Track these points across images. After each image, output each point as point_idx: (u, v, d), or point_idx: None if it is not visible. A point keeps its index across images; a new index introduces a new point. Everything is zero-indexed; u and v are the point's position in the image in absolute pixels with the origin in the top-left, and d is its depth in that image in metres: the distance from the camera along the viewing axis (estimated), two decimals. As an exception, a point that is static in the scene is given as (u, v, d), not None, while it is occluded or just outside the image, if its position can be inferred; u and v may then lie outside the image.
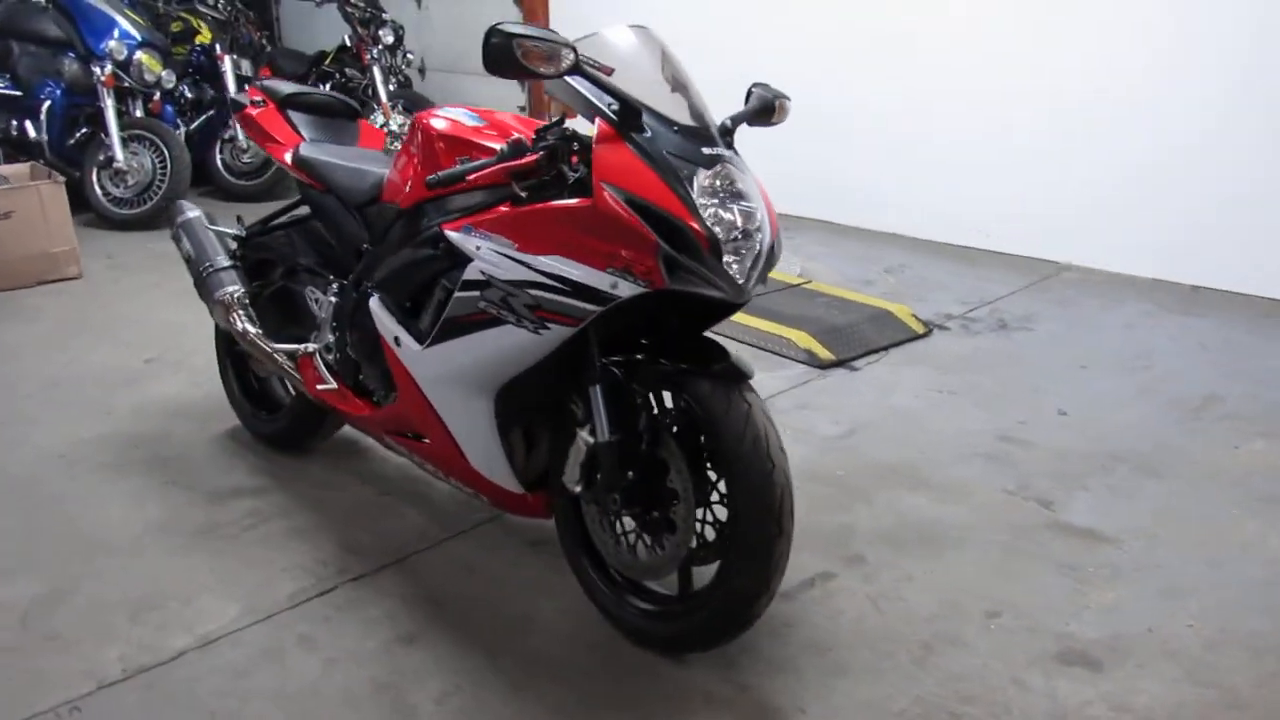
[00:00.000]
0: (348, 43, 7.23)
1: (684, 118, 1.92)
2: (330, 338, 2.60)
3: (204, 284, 2.76)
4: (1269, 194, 4.30)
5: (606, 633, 2.17)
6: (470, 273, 2.01)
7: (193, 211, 2.91)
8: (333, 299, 2.60)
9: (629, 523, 2.08)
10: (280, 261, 2.82)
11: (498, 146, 2.13)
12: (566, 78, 1.87)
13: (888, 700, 1.97)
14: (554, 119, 2.03)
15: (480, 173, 1.96)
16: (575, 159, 1.92)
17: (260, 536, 2.58)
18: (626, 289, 1.83)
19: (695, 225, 1.81)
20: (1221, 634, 2.17)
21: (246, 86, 3.01)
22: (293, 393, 2.99)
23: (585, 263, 1.85)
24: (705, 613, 1.97)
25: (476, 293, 2.01)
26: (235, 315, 2.73)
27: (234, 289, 2.73)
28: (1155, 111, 4.50)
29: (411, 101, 7.13)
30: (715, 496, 2.03)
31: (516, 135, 2.01)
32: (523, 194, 1.98)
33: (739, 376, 1.92)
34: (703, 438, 1.97)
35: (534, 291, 1.91)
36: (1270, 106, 4.23)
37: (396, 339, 2.23)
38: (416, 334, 2.20)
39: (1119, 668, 2.06)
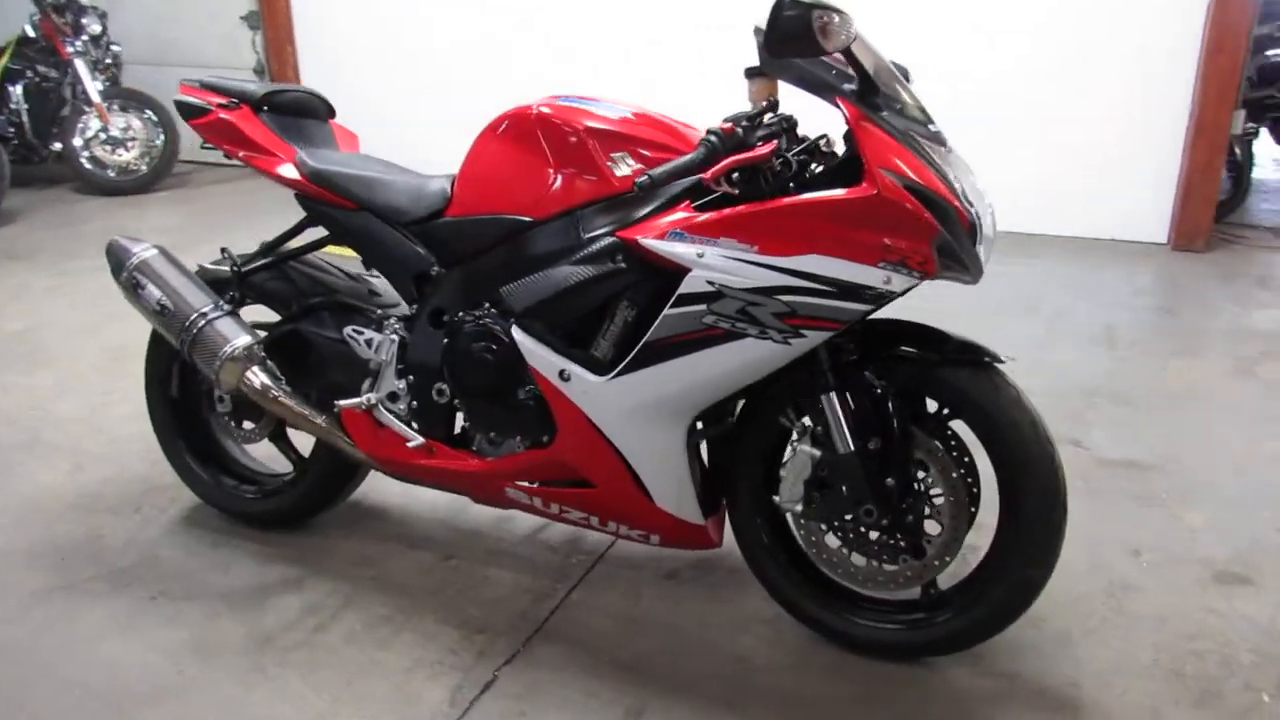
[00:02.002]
0: (30, 33, 6.04)
1: (897, 95, 1.80)
2: (397, 384, 2.15)
3: (199, 340, 2.16)
4: (1068, 149, 4.90)
5: (832, 653, 2.02)
6: (691, 285, 1.76)
7: (147, 249, 2.26)
8: (394, 337, 2.16)
9: (861, 534, 1.94)
10: (290, 299, 2.29)
11: (655, 138, 1.89)
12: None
13: (1131, 657, 2.01)
14: (763, 105, 1.81)
15: (712, 169, 1.71)
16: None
17: (343, 637, 2.10)
18: (900, 283, 1.70)
19: (960, 207, 1.71)
20: (1308, 531, 2.45)
21: (182, 84, 2.36)
22: (293, 459, 2.46)
23: (853, 259, 1.69)
24: (979, 609, 1.88)
25: (701, 306, 1.76)
26: (254, 372, 2.18)
27: (245, 340, 2.17)
28: (968, 79, 4.94)
29: (132, 100, 6.12)
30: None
31: (719, 126, 1.77)
32: (734, 190, 1.76)
33: (994, 360, 1.84)
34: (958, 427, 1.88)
35: (786, 297, 1.71)
36: (1062, 71, 4.80)
37: (562, 373, 1.90)
38: (591, 365, 1.89)
39: (1267, 579, 2.26)
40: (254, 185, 6.64)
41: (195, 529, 2.52)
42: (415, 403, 2.14)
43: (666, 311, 1.79)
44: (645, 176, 1.71)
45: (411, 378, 2.13)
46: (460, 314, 2.05)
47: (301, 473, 2.42)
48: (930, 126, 1.80)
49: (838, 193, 1.70)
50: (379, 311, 2.22)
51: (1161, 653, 2.02)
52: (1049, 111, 4.87)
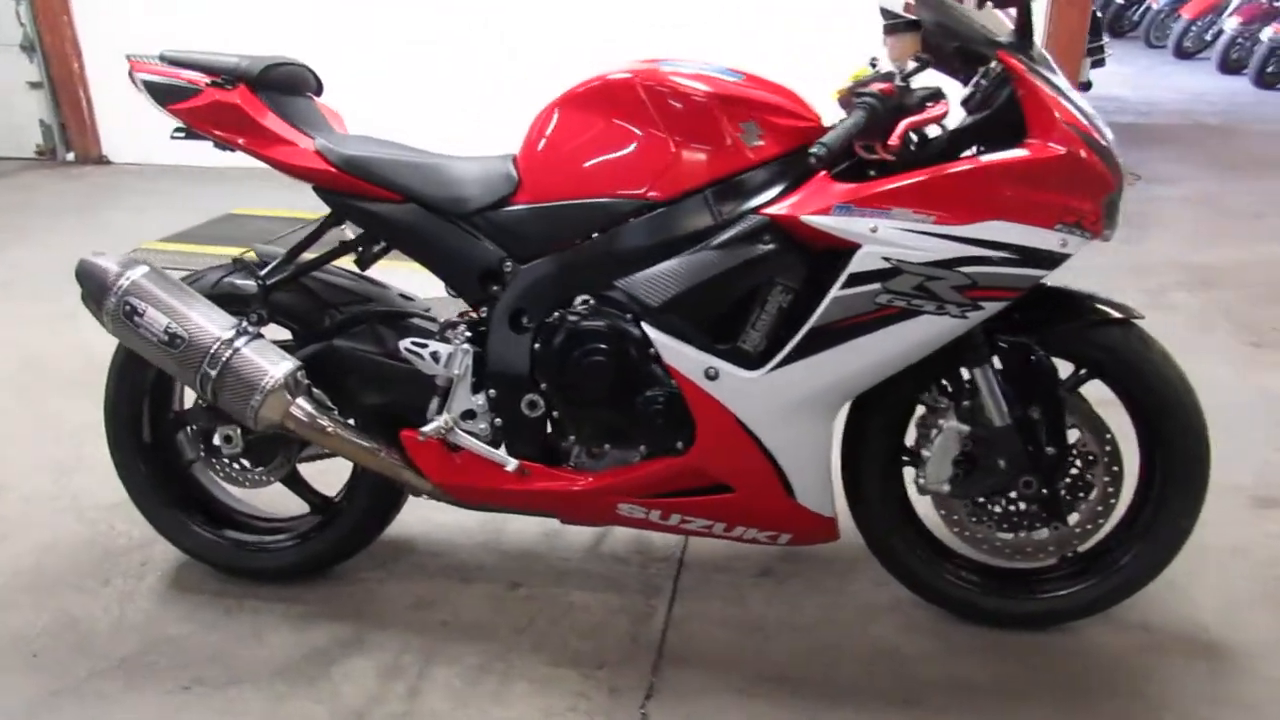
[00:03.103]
0: None
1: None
2: (474, 401, 1.87)
3: (229, 373, 1.77)
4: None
5: (969, 632, 1.96)
6: (864, 262, 1.61)
7: (135, 265, 1.82)
8: (466, 348, 1.86)
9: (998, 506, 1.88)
10: (315, 313, 1.93)
11: (778, 102, 1.73)
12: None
13: (1233, 591, 2.08)
14: (914, 64, 1.67)
15: (895, 134, 1.56)
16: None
17: (446, 698, 1.82)
18: (1074, 245, 1.64)
19: (1118, 163, 1.67)
20: (1299, 447, 2.65)
21: (130, 59, 1.90)
22: (313, 499, 2.11)
23: (1033, 223, 1.61)
24: (1133, 565, 1.88)
25: (875, 285, 1.62)
26: (300, 404, 1.82)
27: (287, 366, 1.80)
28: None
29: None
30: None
31: (875, 87, 1.62)
32: (890, 158, 1.64)
33: (1132, 316, 1.82)
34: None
35: (967, 269, 1.61)
36: None
37: (709, 371, 1.70)
38: (740, 359, 1.70)
39: (1295, 498, 2.42)
40: (31, 181, 5.76)
41: (192, 594, 2.11)
42: (499, 420, 1.87)
43: (836, 293, 1.63)
44: (821, 147, 1.54)
45: (493, 392, 1.86)
46: (556, 314, 1.80)
47: (333, 511, 2.07)
48: (1060, 76, 1.74)
49: (1021, 153, 1.60)
50: (440, 319, 1.91)
51: (1255, 583, 2.11)
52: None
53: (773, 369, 1.69)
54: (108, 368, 2.06)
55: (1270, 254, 4.26)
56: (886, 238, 1.60)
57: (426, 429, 1.83)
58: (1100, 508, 1.85)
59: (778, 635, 1.97)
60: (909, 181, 1.60)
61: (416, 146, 1.95)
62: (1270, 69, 7.95)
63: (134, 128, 5.73)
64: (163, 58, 1.91)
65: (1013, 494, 1.84)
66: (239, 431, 1.96)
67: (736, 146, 1.69)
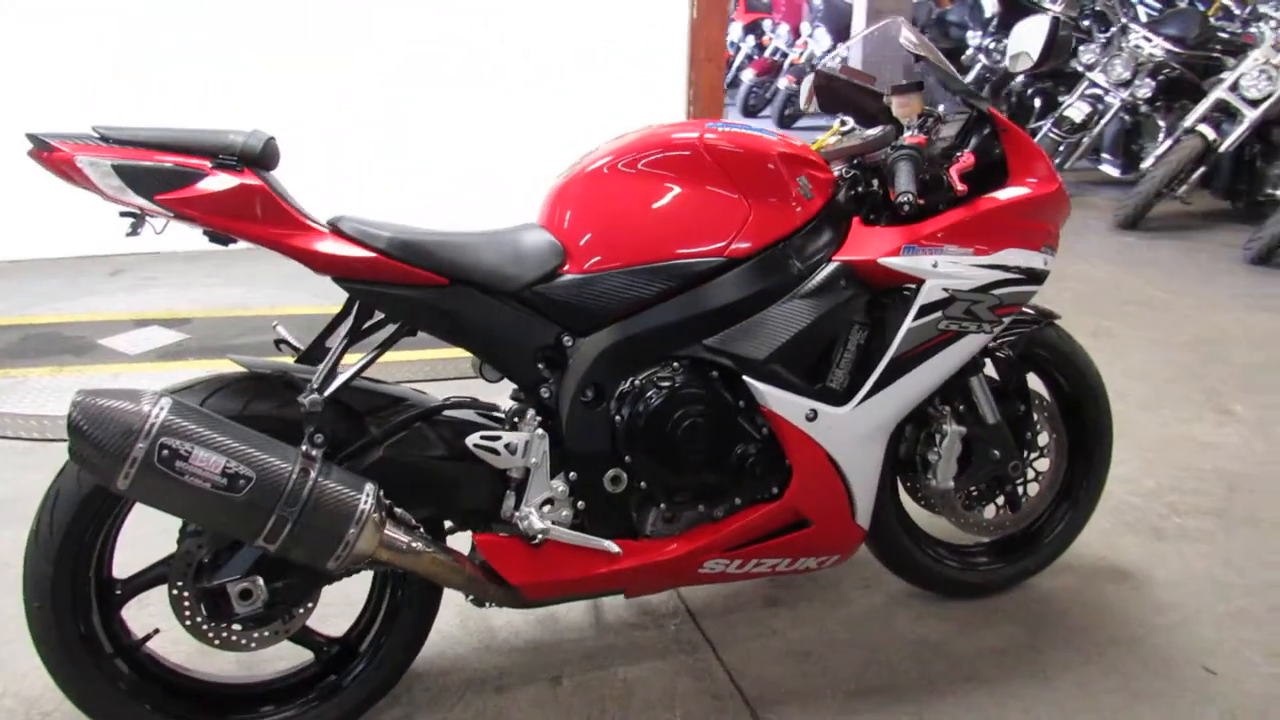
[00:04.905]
0: None
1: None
2: (554, 487, 1.73)
3: (315, 510, 1.44)
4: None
5: (964, 607, 2.23)
6: (929, 294, 1.83)
7: (157, 400, 1.40)
8: (541, 433, 1.72)
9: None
10: (361, 424, 1.64)
11: (808, 156, 1.89)
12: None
13: (1102, 524, 2.56)
14: (928, 118, 1.89)
15: (957, 182, 1.78)
16: None
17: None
18: (1049, 262, 1.99)
19: None
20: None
21: (47, 142, 1.38)
22: (326, 644, 1.80)
23: (1031, 247, 1.94)
24: (1074, 521, 2.27)
25: (938, 314, 1.84)
26: (389, 528, 1.54)
27: (369, 488, 1.51)
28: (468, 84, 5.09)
29: None
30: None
31: (908, 139, 1.83)
32: (922, 201, 1.86)
33: (1054, 318, 2.20)
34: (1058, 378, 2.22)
35: (998, 291, 1.89)
36: (564, 83, 5.16)
37: (810, 414, 1.78)
38: (831, 398, 1.81)
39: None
40: None
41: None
42: (581, 502, 1.76)
43: (910, 325, 1.81)
44: (908, 194, 1.71)
45: (574, 474, 1.74)
46: (636, 381, 1.74)
47: (367, 652, 1.78)
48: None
49: (1024, 191, 1.91)
50: (505, 409, 1.74)
51: (1110, 517, 2.60)
52: (552, 123, 5.18)
53: (860, 402, 1.81)
54: (25, 546, 1.57)
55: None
56: (944, 271, 1.81)
57: (535, 524, 1.67)
58: (1054, 476, 2.23)
59: (828, 655, 2.08)
60: (954, 220, 1.83)
61: (410, 223, 1.75)
62: (787, 111, 9.47)
63: None
64: (105, 138, 1.50)
65: (999, 478, 2.14)
66: (260, 582, 1.60)
67: (799, 200, 1.79)
